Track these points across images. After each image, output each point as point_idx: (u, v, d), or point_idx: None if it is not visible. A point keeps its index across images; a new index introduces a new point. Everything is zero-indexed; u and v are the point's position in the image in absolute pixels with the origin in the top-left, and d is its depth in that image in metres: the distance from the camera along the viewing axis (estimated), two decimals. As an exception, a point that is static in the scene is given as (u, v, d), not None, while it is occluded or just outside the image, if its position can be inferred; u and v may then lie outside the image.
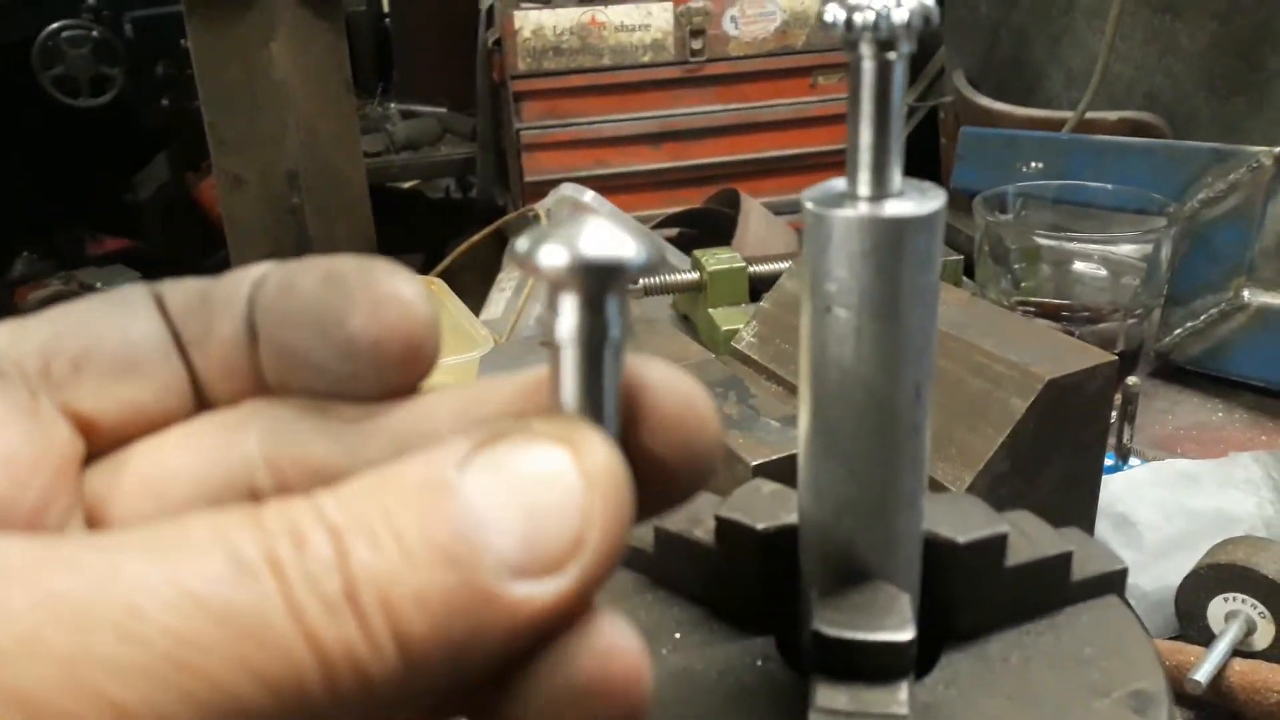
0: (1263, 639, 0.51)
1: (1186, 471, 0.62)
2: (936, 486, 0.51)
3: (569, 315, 0.18)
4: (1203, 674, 0.48)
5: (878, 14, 0.22)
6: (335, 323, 0.19)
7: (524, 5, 1.64)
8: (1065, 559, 0.29)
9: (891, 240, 0.24)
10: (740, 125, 1.64)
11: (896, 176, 0.25)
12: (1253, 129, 1.30)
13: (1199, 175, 0.76)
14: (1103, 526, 0.58)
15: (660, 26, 1.60)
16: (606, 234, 0.17)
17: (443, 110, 2.13)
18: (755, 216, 1.35)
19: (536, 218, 1.30)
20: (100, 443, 0.20)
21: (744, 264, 0.83)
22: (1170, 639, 0.53)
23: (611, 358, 0.18)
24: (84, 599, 0.13)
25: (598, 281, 0.18)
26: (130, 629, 0.13)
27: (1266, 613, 0.50)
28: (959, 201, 0.97)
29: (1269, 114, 1.28)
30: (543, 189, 1.38)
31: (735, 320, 0.80)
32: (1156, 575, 0.56)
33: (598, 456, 0.16)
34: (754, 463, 0.45)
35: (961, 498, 0.30)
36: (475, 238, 1.38)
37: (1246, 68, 1.30)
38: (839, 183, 0.25)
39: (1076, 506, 0.56)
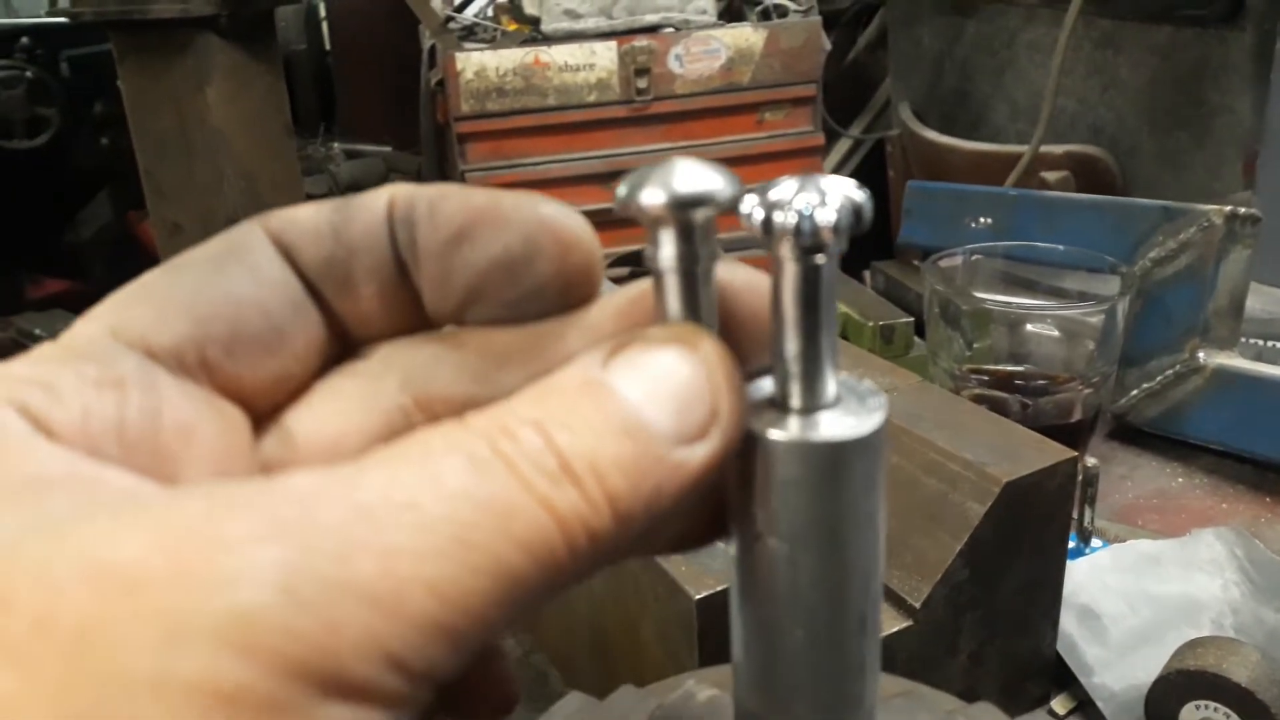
0: (1235, 746, 0.49)
1: (1149, 554, 0.60)
2: (892, 596, 0.49)
3: (668, 246, 0.20)
4: (1176, 794, 0.45)
5: (800, 216, 0.19)
6: (524, 264, 0.21)
7: (466, 46, 1.61)
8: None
9: (828, 466, 0.21)
10: (688, 163, 1.63)
11: (830, 384, 0.22)
12: (1195, 163, 1.30)
13: (1149, 233, 0.74)
14: (1067, 620, 0.56)
15: (605, 66, 1.57)
16: (694, 172, 0.20)
17: (387, 149, 2.09)
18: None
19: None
20: (257, 413, 0.21)
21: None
22: (1140, 746, 0.51)
23: (705, 278, 0.21)
24: (375, 504, 0.16)
25: (688, 214, 0.20)
26: (420, 522, 0.16)
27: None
28: (908, 255, 0.95)
29: (1211, 148, 1.29)
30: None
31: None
32: (1124, 673, 0.54)
33: (708, 347, 0.20)
34: (697, 596, 0.42)
35: (918, 704, 0.27)
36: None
37: (1187, 102, 1.30)
38: (766, 384, 0.23)
39: (1039, 608, 0.53)
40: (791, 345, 0.21)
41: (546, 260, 0.21)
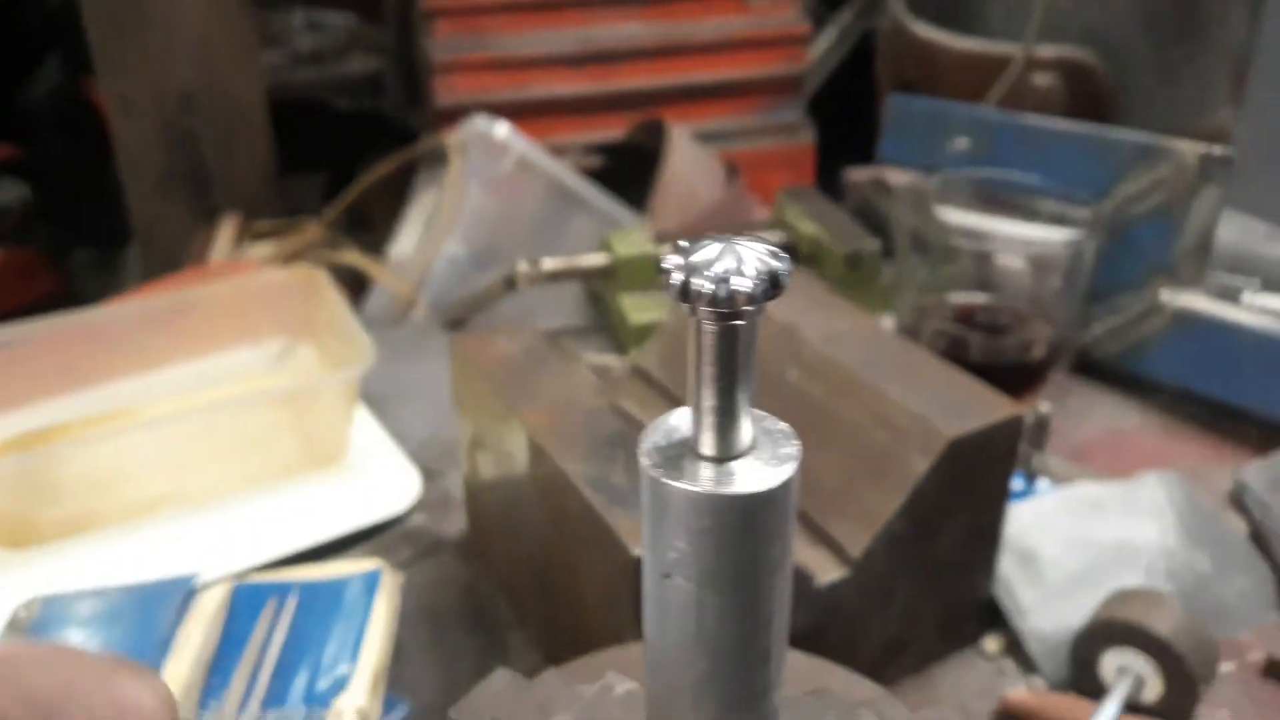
0: (1151, 693, 0.51)
1: (1092, 498, 0.61)
2: (832, 545, 0.50)
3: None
4: (1090, 744, 0.47)
5: (716, 285, 0.19)
6: None
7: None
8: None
9: (737, 518, 0.21)
10: (667, 48, 1.57)
11: (744, 434, 0.22)
12: (1185, 75, 1.27)
13: (1126, 168, 0.73)
14: (1007, 563, 0.57)
15: (586, -59, 1.50)
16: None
17: (351, 19, 2.01)
18: (681, 152, 1.30)
19: (449, 152, 1.23)
20: None
21: (655, 249, 0.80)
22: (1063, 690, 0.53)
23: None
24: None
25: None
26: None
27: (1156, 669, 0.50)
28: (887, 166, 0.93)
29: (1202, 61, 1.26)
30: (456, 114, 1.30)
31: (645, 310, 0.77)
32: (1056, 617, 0.55)
33: None
34: (636, 551, 0.43)
35: (825, 703, 0.28)
36: (383, 169, 1.31)
37: (1185, 11, 1.26)
38: (683, 423, 0.23)
39: (977, 556, 0.55)
40: (708, 399, 0.21)
41: None
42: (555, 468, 0.48)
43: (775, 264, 0.19)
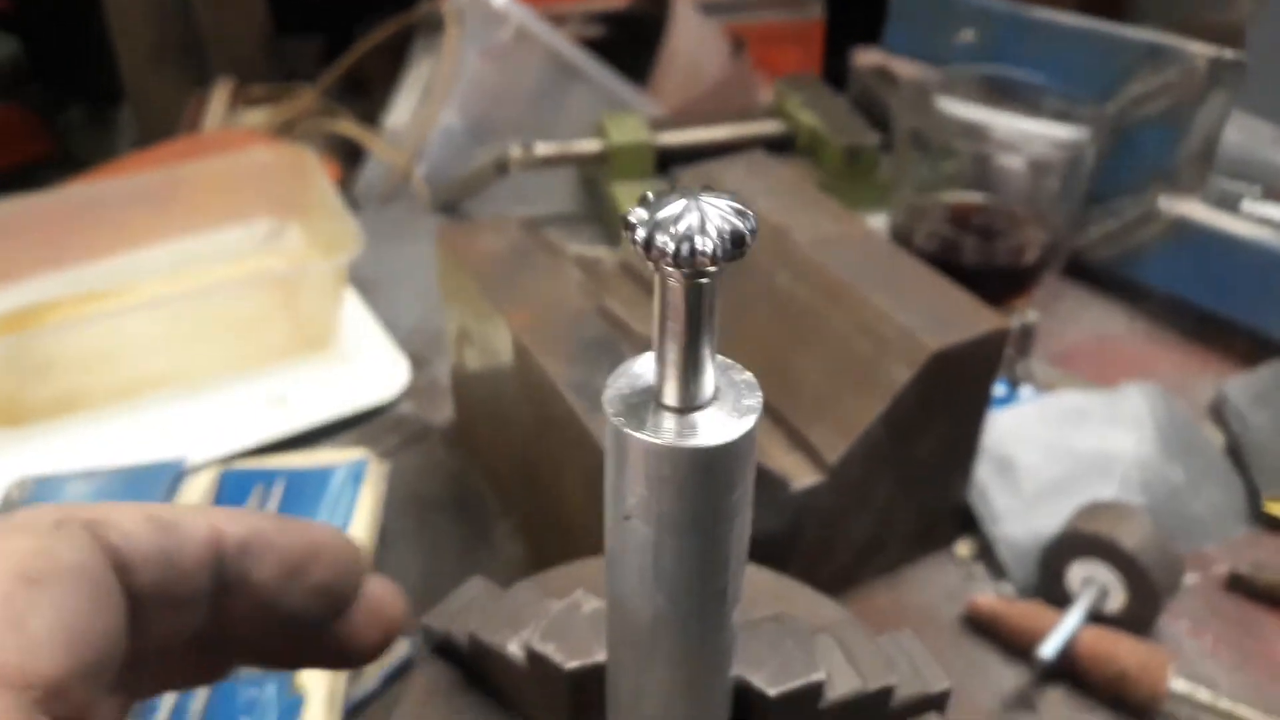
0: (1115, 603, 0.52)
1: (1074, 407, 0.62)
2: (810, 451, 0.50)
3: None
4: (1049, 649, 0.49)
5: (678, 243, 0.19)
6: (338, 594, 0.25)
7: None
8: (885, 694, 0.29)
9: (697, 470, 0.21)
10: (676, -86, 1.51)
11: (707, 385, 0.22)
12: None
13: (1135, 68, 0.72)
14: (985, 470, 0.58)
15: None
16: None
17: None
18: (685, 24, 1.26)
19: (445, 20, 1.20)
20: None
21: (649, 137, 0.78)
22: (1031, 598, 0.55)
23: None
24: None
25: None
26: None
27: (1121, 581, 0.51)
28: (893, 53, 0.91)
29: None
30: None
31: (639, 201, 0.76)
32: (1028, 524, 0.57)
33: None
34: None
35: (783, 629, 0.29)
36: (380, 35, 1.28)
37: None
38: (648, 370, 0.23)
39: (954, 463, 0.55)
40: (671, 352, 0.21)
41: (353, 588, 0.26)
42: (539, 370, 0.48)
43: (741, 224, 0.19)
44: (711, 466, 0.21)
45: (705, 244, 0.19)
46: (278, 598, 0.23)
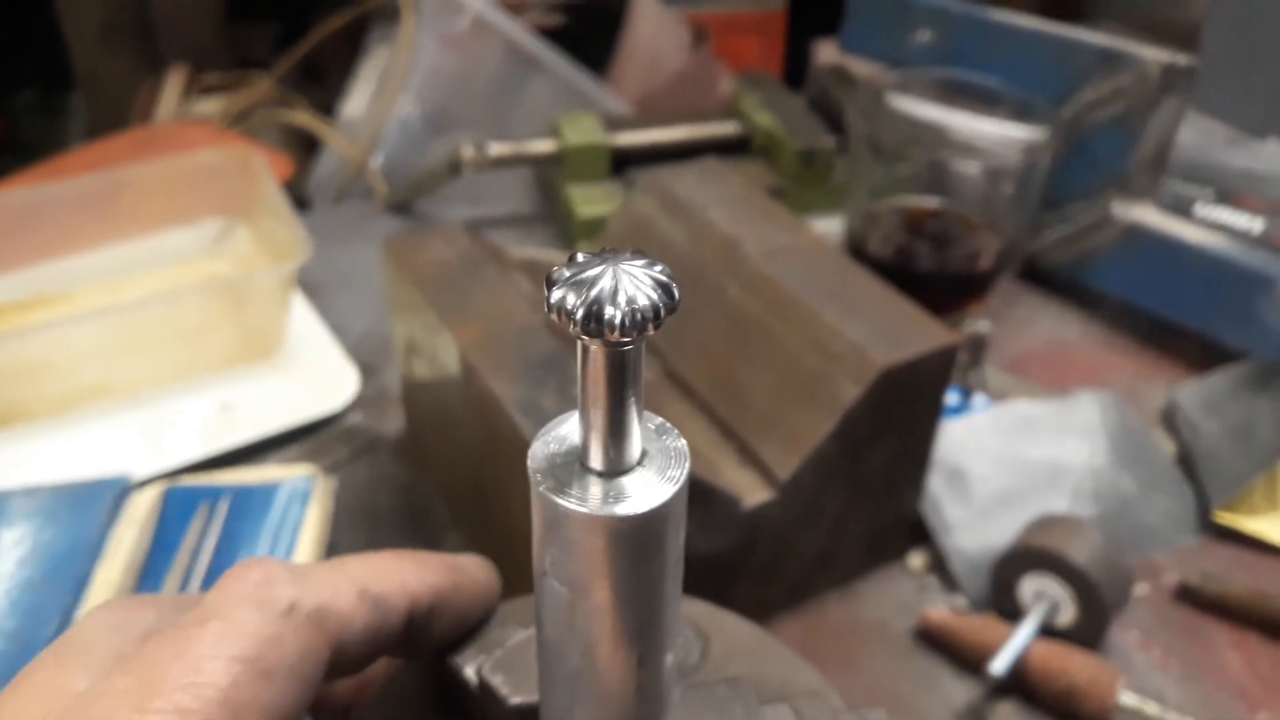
0: (1065, 617, 0.52)
1: (1026, 416, 0.62)
2: (761, 467, 0.50)
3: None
4: (1000, 666, 0.49)
5: (588, 308, 0.18)
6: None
7: None
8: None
9: (618, 538, 0.21)
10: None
11: (633, 449, 0.21)
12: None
13: (1089, 74, 0.72)
14: (938, 481, 0.58)
15: None
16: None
17: None
18: (646, 14, 1.25)
19: (400, 7, 1.18)
20: None
21: (604, 138, 0.77)
22: (984, 610, 0.55)
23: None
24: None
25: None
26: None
27: (1071, 595, 0.52)
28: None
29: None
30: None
31: (593, 203, 0.76)
32: (980, 535, 0.57)
33: None
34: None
35: (734, 694, 0.28)
36: (336, 22, 1.25)
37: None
38: (574, 431, 0.22)
39: (906, 478, 0.55)
40: (596, 416, 0.20)
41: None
42: (486, 388, 0.47)
43: (656, 296, 0.19)
44: (633, 534, 0.21)
45: (614, 314, 0.18)
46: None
